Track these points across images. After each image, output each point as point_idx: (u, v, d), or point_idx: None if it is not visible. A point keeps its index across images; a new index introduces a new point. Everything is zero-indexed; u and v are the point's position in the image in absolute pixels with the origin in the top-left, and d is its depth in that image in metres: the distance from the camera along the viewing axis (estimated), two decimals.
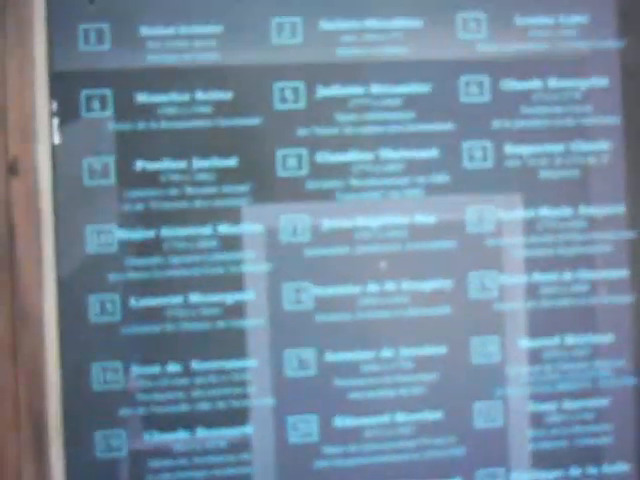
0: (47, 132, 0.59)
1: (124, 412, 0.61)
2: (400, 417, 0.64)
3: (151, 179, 0.61)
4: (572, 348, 0.66)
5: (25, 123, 0.59)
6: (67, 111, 0.60)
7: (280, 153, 0.61)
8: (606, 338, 0.67)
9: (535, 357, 0.66)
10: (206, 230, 0.60)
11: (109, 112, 0.60)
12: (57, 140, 0.59)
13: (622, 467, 0.68)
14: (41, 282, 0.60)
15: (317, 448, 0.63)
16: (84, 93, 0.59)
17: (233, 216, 0.61)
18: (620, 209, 0.65)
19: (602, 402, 0.67)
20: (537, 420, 0.67)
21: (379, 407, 0.64)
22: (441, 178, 0.63)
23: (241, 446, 0.63)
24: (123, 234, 0.60)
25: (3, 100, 0.58)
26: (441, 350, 0.64)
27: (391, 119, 0.62)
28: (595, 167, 0.65)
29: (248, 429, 0.62)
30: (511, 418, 0.66)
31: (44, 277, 0.60)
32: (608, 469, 0.67)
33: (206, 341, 0.61)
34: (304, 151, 0.61)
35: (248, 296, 0.61)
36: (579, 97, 0.64)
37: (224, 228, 0.61)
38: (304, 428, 0.63)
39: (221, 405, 0.61)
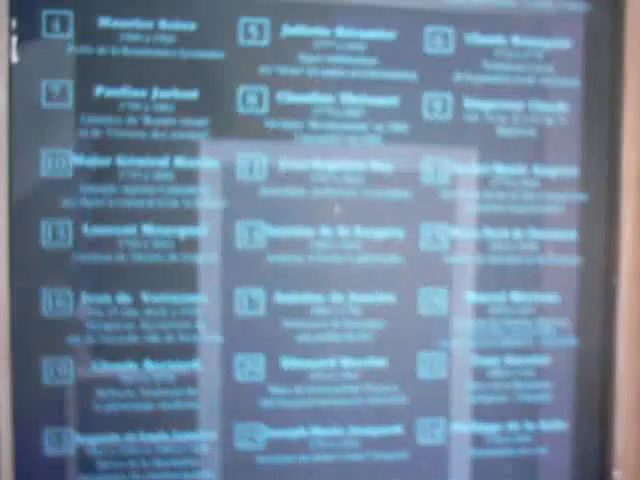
0: (5, 50, 0.64)
1: (72, 340, 0.67)
2: (346, 362, 0.71)
3: (109, 106, 0.68)
4: (517, 305, 0.74)
5: None
6: (27, 30, 0.66)
7: (241, 90, 0.68)
8: (551, 298, 0.75)
9: (480, 312, 0.75)
10: (162, 162, 0.67)
11: (70, 34, 0.66)
12: (15, 59, 0.64)
13: (558, 424, 0.77)
14: None
15: (263, 387, 0.71)
16: (45, 12, 0.65)
17: (190, 150, 0.68)
18: (573, 171, 0.74)
19: (543, 360, 0.76)
20: (479, 374, 0.76)
21: (326, 351, 0.72)
22: (399, 127, 0.70)
23: (188, 381, 0.70)
24: (78, 160, 0.66)
25: None
26: (389, 298, 0.71)
27: (354, 64, 0.70)
28: (552, 128, 0.74)
29: (195, 365, 0.69)
30: (454, 370, 0.75)
31: None
32: (545, 425, 0.76)
33: (157, 274, 0.67)
34: (265, 89, 0.68)
35: (201, 232, 0.68)
36: (541, 57, 0.72)
37: (181, 161, 0.67)
38: (251, 367, 0.70)
39: (169, 339, 0.68)
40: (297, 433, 0.73)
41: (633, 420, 0.78)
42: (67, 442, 0.70)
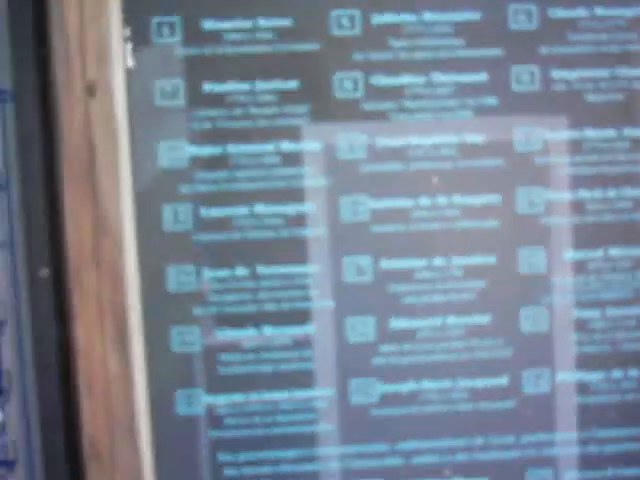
0: (121, 56, 0.80)
1: (197, 311, 0.82)
2: (451, 320, 0.85)
3: (217, 100, 0.83)
4: (615, 260, 0.85)
5: (101, 48, 0.80)
6: (139, 37, 0.82)
7: (337, 76, 0.81)
8: None
9: (579, 268, 0.87)
10: (269, 147, 0.81)
11: (178, 38, 0.79)
12: (130, 64, 0.78)
13: None
14: (119, 194, 0.82)
15: (374, 346, 0.86)
16: (155, 20, 0.79)
17: (294, 134, 0.83)
18: None
19: None
20: (581, 325, 0.88)
21: (431, 311, 0.86)
22: (490, 100, 0.81)
23: (304, 344, 0.86)
24: (193, 150, 0.81)
25: (81, 26, 0.77)
26: (490, 260, 0.85)
27: (442, 45, 0.82)
28: (638, 91, 0.83)
29: (310, 328, 0.84)
30: (556, 323, 0.87)
31: (122, 190, 0.82)
32: None
33: (270, 248, 0.83)
34: (359, 74, 0.80)
35: (308, 208, 0.81)
36: (623, 24, 0.81)
37: (285, 145, 0.82)
38: (361, 329, 0.84)
39: (285, 306, 0.83)
40: (408, 387, 0.87)
41: None
42: (197, 402, 0.85)
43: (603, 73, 0.84)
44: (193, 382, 0.86)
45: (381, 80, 0.83)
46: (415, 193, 0.85)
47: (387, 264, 0.85)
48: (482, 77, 0.83)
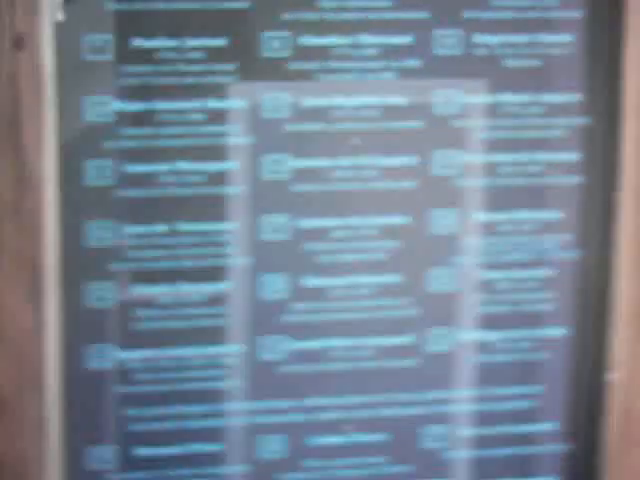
0: (50, 10, 0.94)
1: (114, 266, 1.03)
2: (362, 279, 1.08)
3: (146, 56, 1.00)
4: (523, 223, 1.10)
5: (30, 0, 0.93)
6: None
7: (265, 35, 1.01)
8: (555, 214, 1.10)
9: (489, 229, 1.10)
10: (195, 104, 1.01)
11: None
12: (59, 17, 0.95)
13: (560, 330, 1.14)
14: (42, 148, 0.95)
15: (285, 304, 1.07)
16: None
17: (220, 92, 1.01)
18: (576, 97, 1.08)
19: (547, 272, 1.12)
20: (486, 286, 1.11)
21: (344, 269, 1.08)
22: (413, 63, 1.04)
23: (218, 300, 1.06)
24: (119, 105, 1.00)
25: None
26: (404, 220, 1.07)
27: (370, 6, 1.02)
28: (556, 57, 1.07)
29: (225, 285, 1.05)
30: (462, 284, 1.11)
31: (45, 143, 0.95)
32: (548, 332, 1.13)
33: (190, 205, 1.03)
34: (287, 34, 1.01)
35: (230, 166, 1.03)
36: None
37: (212, 103, 1.01)
38: (274, 286, 1.06)
39: (202, 263, 1.04)
40: (317, 344, 1.09)
41: (630, 325, 1.12)
42: (108, 357, 1.06)
43: (522, 38, 1.06)
44: (105, 337, 1.05)
45: (309, 40, 1.02)
46: (336, 153, 1.05)
47: (304, 223, 1.06)
48: (407, 39, 1.04)
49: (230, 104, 1.03)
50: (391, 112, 1.06)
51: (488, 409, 1.13)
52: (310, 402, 1.10)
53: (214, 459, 1.09)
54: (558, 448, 1.16)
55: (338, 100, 1.05)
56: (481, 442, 1.14)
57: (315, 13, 1.03)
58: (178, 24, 1.00)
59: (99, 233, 1.03)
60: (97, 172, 1.01)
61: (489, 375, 1.13)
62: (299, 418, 1.10)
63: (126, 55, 1.00)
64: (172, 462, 1.09)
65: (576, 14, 1.07)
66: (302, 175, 1.05)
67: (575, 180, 1.10)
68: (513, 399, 1.14)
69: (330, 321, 1.08)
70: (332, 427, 1.11)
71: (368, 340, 1.10)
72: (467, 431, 1.13)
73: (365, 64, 1.04)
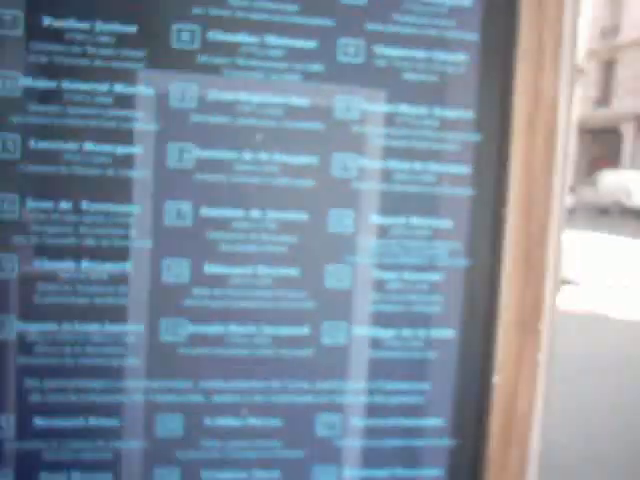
0: None
1: (17, 240, 0.75)
2: (261, 270, 0.80)
3: (56, 35, 0.75)
4: (416, 228, 0.82)
5: None
6: None
7: (175, 26, 0.75)
8: (445, 223, 0.84)
9: (383, 232, 0.83)
10: (103, 87, 0.75)
11: None
12: None
13: (448, 332, 0.87)
14: None
15: (186, 288, 0.79)
16: None
17: (128, 78, 0.76)
18: (469, 114, 0.82)
19: (437, 277, 0.84)
20: (379, 285, 0.84)
21: (244, 259, 0.81)
22: (316, 67, 0.78)
23: (119, 280, 0.79)
24: (27, 81, 0.74)
25: None
26: (303, 217, 0.81)
27: (278, 9, 0.77)
28: (451, 75, 0.82)
29: (127, 266, 0.78)
30: (357, 281, 0.83)
31: None
32: (435, 333, 0.85)
33: (95, 185, 0.76)
34: (197, 27, 0.75)
35: (136, 150, 0.76)
36: (445, 12, 0.79)
37: (119, 87, 0.75)
38: (176, 270, 0.79)
39: (105, 243, 0.77)
40: (215, 329, 0.83)
41: (513, 331, 0.88)
42: (9, 328, 0.79)
43: (421, 54, 0.83)
44: (7, 308, 0.79)
45: (217, 35, 0.78)
46: (239, 147, 0.80)
47: (206, 212, 0.81)
48: (312, 44, 0.80)
49: (137, 90, 0.78)
50: (294, 112, 0.81)
51: (379, 402, 0.88)
52: (207, 384, 0.83)
53: (111, 434, 0.83)
54: (444, 442, 0.91)
55: (243, 96, 0.80)
56: (371, 432, 0.89)
57: (225, 10, 0.78)
58: (90, 7, 0.76)
59: (3, 206, 0.77)
60: (2, 146, 0.76)
61: (380, 370, 0.87)
62: (196, 399, 0.83)
63: (36, 33, 0.75)
64: (70, 434, 0.82)
65: (471, 36, 0.84)
66: (206, 165, 0.80)
67: (465, 192, 0.85)
68: (402, 394, 0.89)
69: (229, 308, 0.83)
70: (228, 410, 0.84)
71: (265, 329, 0.84)
72: (358, 421, 0.88)
73: (270, 64, 0.79)
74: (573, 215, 17.65)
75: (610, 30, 25.58)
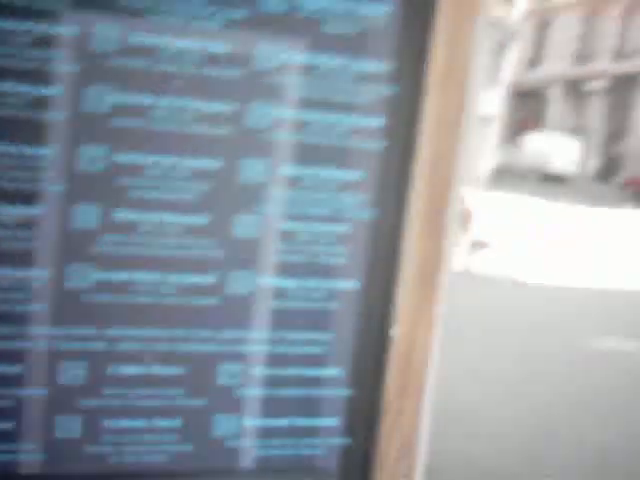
0: None
1: None
2: (170, 217, 0.96)
3: None
4: (325, 180, 0.99)
5: None
6: None
7: None
8: (355, 175, 1.01)
9: (293, 183, 0.99)
10: (23, 26, 0.87)
11: None
12: None
13: (350, 284, 1.05)
14: None
15: (96, 235, 0.94)
16: None
17: (49, 18, 0.88)
18: (387, 66, 1.00)
19: (343, 228, 1.02)
20: (286, 236, 1.00)
21: (154, 206, 0.95)
22: (238, 15, 0.93)
23: (27, 224, 0.92)
24: None
25: None
26: (215, 165, 0.96)
27: None
28: (371, 27, 0.99)
29: (37, 210, 0.91)
30: (265, 232, 0.99)
31: None
32: (339, 284, 1.03)
33: (9, 127, 0.89)
34: None
35: (53, 92, 0.89)
36: None
37: (39, 28, 0.88)
38: (86, 216, 0.93)
39: (14, 185, 0.90)
40: (122, 276, 0.98)
41: (413, 285, 1.07)
42: None
43: (342, 5, 0.98)
44: None
45: None
46: (157, 92, 0.94)
47: (121, 157, 0.94)
48: None
49: (57, 31, 0.90)
50: (213, 59, 0.95)
51: (280, 352, 1.05)
52: (111, 332, 0.98)
53: (13, 381, 0.96)
54: (342, 392, 1.08)
55: (163, 41, 0.93)
56: (272, 382, 1.06)
57: None
58: None
59: None
60: None
61: (283, 320, 1.04)
62: (100, 346, 0.98)
63: None
64: None
65: None
66: (123, 110, 0.93)
67: (377, 145, 1.02)
68: (304, 344, 1.05)
69: (136, 255, 0.97)
70: (131, 357, 0.99)
71: (171, 277, 0.99)
72: (260, 371, 1.04)
73: (193, 9, 0.93)
74: (498, 177, 18.41)
75: None
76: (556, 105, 25.96)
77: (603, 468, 4.11)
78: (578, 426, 4.65)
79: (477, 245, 9.37)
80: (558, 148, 22.30)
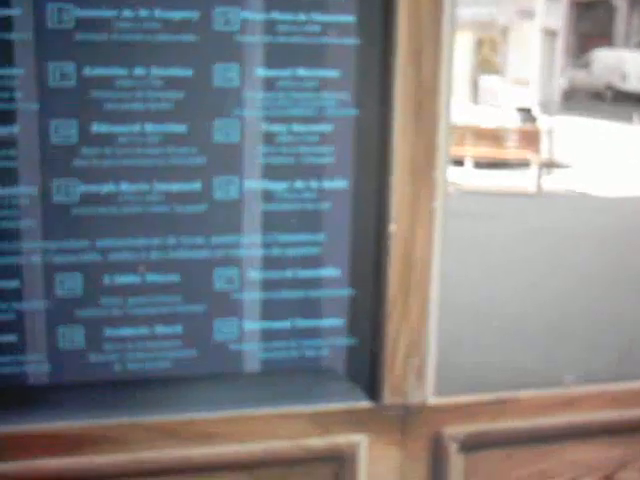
0: None
1: None
2: (149, 127, 1.01)
3: None
4: (302, 79, 1.04)
5: None
6: None
7: None
8: (332, 73, 1.05)
9: (270, 85, 1.04)
10: None
11: None
12: None
13: (341, 183, 1.09)
14: None
15: (76, 149, 1.00)
16: None
17: None
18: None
19: (326, 127, 1.06)
20: (268, 139, 1.05)
21: (131, 117, 1.01)
22: None
23: (8, 143, 0.99)
24: None
25: None
26: (187, 72, 1.01)
27: None
28: None
29: (14, 129, 0.98)
30: (246, 135, 1.04)
31: None
32: (328, 184, 1.08)
33: None
34: None
35: (15, 11, 0.95)
36: None
37: None
38: (64, 131, 0.99)
39: None
40: (107, 188, 1.04)
41: (407, 181, 1.09)
42: None
43: None
44: None
45: None
46: (119, 4, 0.98)
47: (89, 71, 1.00)
48: None
49: None
50: None
51: (275, 254, 1.09)
52: (103, 243, 1.04)
53: (12, 295, 1.03)
54: (343, 292, 1.12)
55: None
56: (269, 285, 1.10)
57: None
58: None
59: None
60: None
61: (274, 222, 1.08)
62: (93, 258, 1.04)
63: None
64: None
65: None
66: (86, 24, 0.98)
67: (351, 41, 1.05)
68: (298, 245, 1.09)
69: (119, 166, 1.03)
70: (126, 267, 1.05)
71: (157, 186, 1.04)
72: (256, 274, 1.09)
73: None
74: (568, 100, 18.04)
75: None
76: (622, 16, 24.47)
77: None
78: None
79: (549, 165, 9.32)
80: (632, 65, 21.39)
